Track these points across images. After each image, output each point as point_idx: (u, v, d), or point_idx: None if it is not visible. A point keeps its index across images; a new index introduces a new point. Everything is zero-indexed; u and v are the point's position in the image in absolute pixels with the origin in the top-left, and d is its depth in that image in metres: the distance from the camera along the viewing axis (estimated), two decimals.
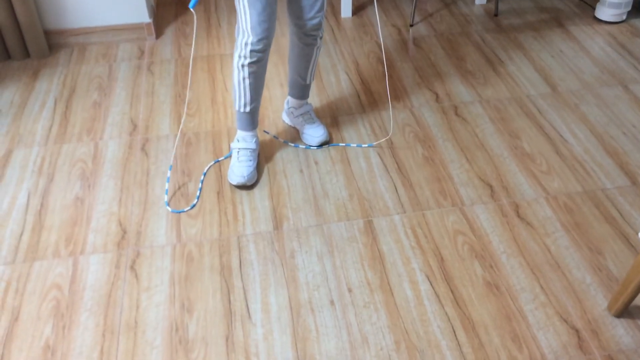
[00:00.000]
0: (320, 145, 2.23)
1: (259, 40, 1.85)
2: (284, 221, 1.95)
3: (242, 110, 2.02)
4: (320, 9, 1.94)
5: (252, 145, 2.09)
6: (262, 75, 1.97)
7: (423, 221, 1.94)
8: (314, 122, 2.24)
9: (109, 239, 1.89)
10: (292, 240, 1.88)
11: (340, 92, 2.55)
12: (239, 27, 1.87)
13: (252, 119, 2.06)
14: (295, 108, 2.26)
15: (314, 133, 2.22)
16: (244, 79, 1.94)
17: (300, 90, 2.20)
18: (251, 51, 1.88)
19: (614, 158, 2.17)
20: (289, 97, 2.26)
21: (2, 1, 2.59)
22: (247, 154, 2.06)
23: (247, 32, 1.85)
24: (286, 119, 2.33)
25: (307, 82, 2.17)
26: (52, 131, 2.33)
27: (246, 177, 2.02)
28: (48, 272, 1.78)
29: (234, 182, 2.03)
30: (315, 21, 1.96)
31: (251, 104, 2.01)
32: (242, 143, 2.08)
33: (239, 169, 2.03)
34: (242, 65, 1.91)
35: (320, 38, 2.04)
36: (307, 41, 2.02)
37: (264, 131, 2.15)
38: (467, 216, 1.95)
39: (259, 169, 2.14)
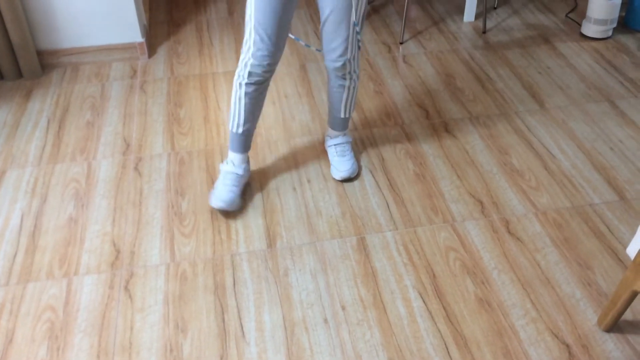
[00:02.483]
0: (345, 180, 2.19)
1: (259, 65, 1.86)
2: (278, 239, 1.96)
3: (234, 130, 2.02)
4: (344, 53, 1.91)
5: (240, 171, 2.06)
6: (259, 98, 1.96)
7: (415, 238, 1.96)
8: (344, 156, 2.18)
9: (103, 259, 1.89)
10: (286, 258, 1.90)
11: None
12: (243, 45, 1.87)
13: (243, 142, 2.04)
14: (330, 137, 2.23)
15: (340, 167, 2.16)
16: (240, 98, 1.94)
17: (335, 121, 2.17)
18: (249, 72, 1.88)
19: (601, 173, 2.20)
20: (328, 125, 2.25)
21: None
22: (233, 179, 2.04)
23: (249, 54, 1.86)
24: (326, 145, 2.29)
25: (341, 116, 2.14)
26: (45, 151, 2.34)
27: (226, 202, 1.98)
28: (42, 293, 1.78)
29: (214, 205, 1.99)
30: (337, 64, 1.94)
31: (244, 125, 2.00)
32: (229, 166, 2.06)
33: (220, 192, 2.00)
34: (240, 84, 1.92)
35: (351, 79, 2.02)
36: (336, 79, 2.02)
37: (290, 35, 2.01)
38: (459, 232, 1.97)
39: (251, 187, 2.16)
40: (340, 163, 2.17)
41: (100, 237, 1.97)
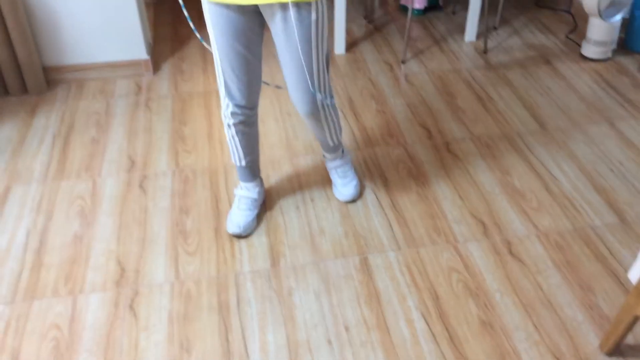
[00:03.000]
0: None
1: (236, 106, 1.83)
2: (281, 258, 1.98)
3: (238, 164, 2.02)
4: (306, 89, 1.77)
5: (254, 195, 2.08)
6: (251, 133, 1.94)
7: (418, 258, 1.98)
8: (345, 178, 2.17)
9: (108, 277, 1.91)
10: (290, 277, 1.91)
11: None
12: (218, 86, 1.81)
13: (250, 172, 2.05)
14: (327, 160, 2.19)
15: (344, 191, 2.16)
16: (232, 136, 1.93)
17: (325, 147, 2.11)
18: (232, 113, 1.85)
19: (602, 195, 2.23)
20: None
21: (1, 38, 2.63)
22: (248, 203, 2.07)
23: (224, 98, 1.83)
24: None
25: (331, 144, 2.07)
26: (50, 168, 2.36)
27: (242, 228, 2.01)
28: (47, 311, 1.79)
29: (230, 231, 2.03)
30: (304, 97, 1.79)
31: (245, 158, 2.00)
32: (244, 191, 2.08)
33: (236, 217, 2.03)
34: (228, 125, 1.89)
35: (326, 116, 1.89)
36: (306, 117, 1.88)
37: (263, 82, 1.91)
38: (461, 253, 1.99)
39: None
40: (343, 186, 2.18)
41: (106, 255, 1.98)
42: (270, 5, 1.63)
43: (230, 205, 2.18)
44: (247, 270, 1.93)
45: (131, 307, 1.81)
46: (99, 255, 1.98)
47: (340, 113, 2.69)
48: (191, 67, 3.04)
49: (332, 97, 1.90)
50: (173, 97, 2.80)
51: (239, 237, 2.05)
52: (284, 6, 1.62)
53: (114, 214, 2.14)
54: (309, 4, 1.63)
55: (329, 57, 1.82)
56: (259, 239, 2.05)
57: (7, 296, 1.84)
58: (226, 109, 1.85)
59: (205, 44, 1.74)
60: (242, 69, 1.75)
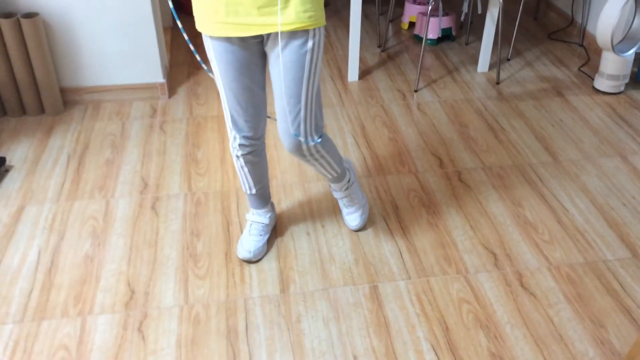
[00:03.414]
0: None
1: (243, 138, 1.83)
2: (291, 284, 1.98)
3: (248, 192, 2.03)
4: (297, 128, 1.73)
5: (265, 220, 2.09)
6: (259, 162, 1.94)
7: (428, 288, 1.97)
8: (349, 208, 2.18)
9: (118, 299, 1.91)
10: (299, 304, 1.91)
11: (346, 155, 2.61)
12: (225, 118, 1.83)
13: (260, 199, 2.06)
14: (334, 190, 2.17)
15: (350, 222, 2.18)
16: (242, 167, 1.93)
17: (330, 179, 2.08)
18: (240, 145, 1.85)
19: (614, 229, 2.21)
20: None
21: (21, 59, 2.68)
22: (259, 228, 2.07)
23: (231, 130, 1.83)
24: None
25: (329, 177, 2.03)
26: (64, 188, 2.38)
27: (252, 253, 2.02)
28: (56, 332, 1.80)
29: (240, 256, 2.04)
30: (294, 138, 1.74)
31: (255, 186, 2.00)
32: (255, 216, 2.09)
33: (247, 242, 2.04)
34: (237, 156, 1.90)
35: (313, 155, 1.83)
36: (295, 154, 1.83)
37: (268, 116, 1.88)
38: (472, 284, 1.98)
39: None
40: (348, 215, 2.19)
41: (116, 276, 1.99)
42: (269, 34, 1.63)
43: (242, 229, 2.19)
44: (257, 295, 1.93)
45: (140, 330, 1.81)
46: (109, 276, 1.99)
47: (352, 140, 2.71)
48: (206, 91, 3.08)
49: (319, 136, 1.79)
50: (188, 120, 2.83)
51: (249, 262, 2.05)
52: (281, 33, 1.60)
53: (125, 235, 2.15)
54: (306, 31, 1.60)
55: (319, 92, 1.75)
56: (269, 264, 2.05)
57: (16, 315, 1.85)
58: (233, 141, 1.86)
59: (211, 75, 1.75)
60: (247, 101, 1.75)
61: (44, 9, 2.71)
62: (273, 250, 2.10)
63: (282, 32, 1.59)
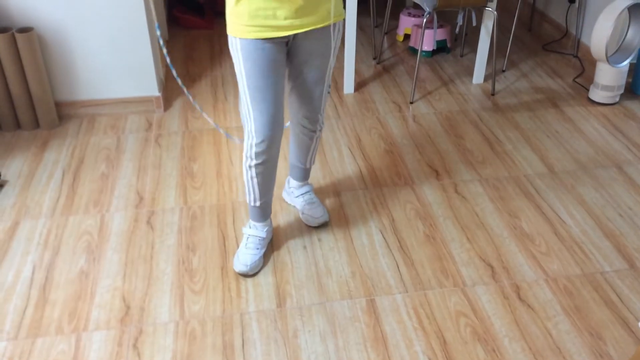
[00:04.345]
0: (320, 226, 2.26)
1: (263, 142, 1.85)
2: (287, 298, 1.96)
3: (252, 204, 2.04)
4: (318, 108, 1.99)
5: (262, 234, 2.09)
6: (270, 174, 1.97)
7: (425, 301, 1.96)
8: (313, 203, 2.26)
9: (113, 315, 1.89)
10: (295, 318, 1.89)
11: (342, 167, 2.61)
12: (244, 127, 1.88)
13: (263, 212, 2.07)
14: (296, 189, 2.29)
15: (314, 214, 2.24)
16: (252, 177, 1.95)
17: (300, 173, 2.25)
18: (256, 153, 1.88)
19: (611, 240, 2.21)
20: (289, 177, 2.30)
21: (16, 74, 2.68)
22: (256, 242, 2.07)
23: (252, 134, 1.85)
24: (286, 197, 2.36)
25: (307, 166, 2.22)
26: (59, 203, 2.37)
27: (249, 267, 2.02)
28: (50, 349, 1.78)
29: (237, 269, 2.03)
30: (312, 118, 2.01)
31: (261, 199, 2.02)
32: (252, 230, 2.09)
33: (244, 256, 2.04)
34: (250, 166, 1.92)
35: (320, 130, 2.09)
36: (306, 132, 2.08)
37: (226, 134, 2.10)
38: (469, 297, 1.97)
39: None
40: (313, 210, 2.24)
41: (111, 292, 1.97)
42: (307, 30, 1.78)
43: (238, 243, 2.17)
44: (253, 310, 1.92)
45: (135, 347, 1.79)
46: (104, 292, 1.97)
47: (348, 152, 2.71)
48: (202, 105, 3.08)
49: (322, 124, 2.09)
50: (183, 133, 2.83)
51: (245, 275, 2.04)
52: (323, 28, 1.81)
53: (120, 250, 2.14)
54: (336, 23, 1.83)
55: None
56: (265, 279, 2.03)
57: (10, 332, 1.83)
58: (250, 150, 1.88)
59: (212, 122, 1.83)
60: (273, 99, 1.82)
61: (38, 24, 2.71)
62: (269, 264, 2.09)
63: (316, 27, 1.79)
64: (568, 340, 1.82)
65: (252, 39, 1.73)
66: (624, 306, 1.94)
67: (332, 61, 1.91)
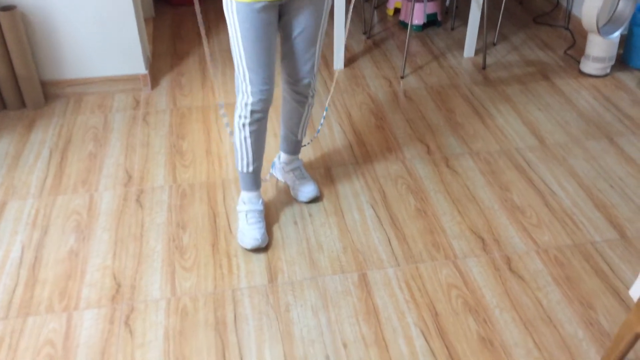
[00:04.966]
0: (310, 202, 2.25)
1: (259, 101, 1.88)
2: (279, 274, 1.96)
3: (244, 170, 2.03)
4: (311, 70, 1.97)
5: (259, 207, 2.09)
6: (262, 134, 1.99)
7: (417, 274, 1.96)
8: (304, 178, 2.25)
9: (103, 293, 1.88)
10: (287, 293, 1.89)
11: (333, 143, 2.59)
12: (238, 88, 1.90)
13: (255, 179, 2.07)
14: (286, 164, 2.28)
15: (304, 189, 2.23)
16: (245, 138, 1.96)
17: (291, 146, 2.23)
18: (251, 111, 1.90)
19: (602, 211, 2.21)
20: (280, 153, 2.28)
21: (0, 52, 2.63)
22: (256, 216, 2.06)
23: (247, 94, 1.87)
24: (277, 174, 2.35)
25: (299, 137, 2.20)
26: (46, 182, 2.34)
27: (260, 240, 2.01)
28: (42, 327, 1.77)
29: (249, 246, 2.02)
30: (305, 81, 1.99)
31: (254, 163, 2.02)
32: (248, 205, 2.08)
33: (251, 232, 2.02)
34: (243, 125, 1.93)
35: (312, 96, 2.07)
36: (298, 99, 2.05)
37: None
38: (460, 269, 1.97)
39: None
40: (304, 185, 2.23)
41: (101, 270, 1.96)
42: None
43: (229, 221, 2.16)
44: (245, 286, 1.91)
45: (127, 324, 1.79)
46: (94, 271, 1.96)
47: (339, 128, 2.69)
48: (190, 82, 3.04)
49: (315, 90, 2.07)
50: (171, 111, 2.80)
51: (258, 249, 2.03)
52: None
53: (110, 229, 2.13)
54: None
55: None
56: (257, 255, 2.03)
57: (0, 312, 1.82)
58: (245, 109, 1.89)
59: (207, 55, 1.81)
60: (267, 61, 1.84)
61: (22, 2, 2.66)
62: None
63: None
64: (559, 309, 1.83)
65: (248, 2, 1.73)
66: (615, 275, 1.95)
67: (324, 22, 1.90)
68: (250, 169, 2.03)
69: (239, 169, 2.04)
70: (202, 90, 2.97)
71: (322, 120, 2.53)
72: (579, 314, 1.82)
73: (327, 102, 2.80)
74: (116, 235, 2.10)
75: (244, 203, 2.09)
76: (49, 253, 2.03)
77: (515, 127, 2.70)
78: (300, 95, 2.04)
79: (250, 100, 1.88)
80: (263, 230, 2.04)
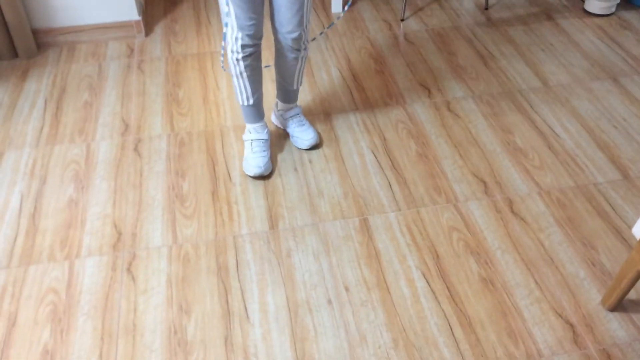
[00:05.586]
0: (310, 149, 2.23)
1: (248, 36, 1.85)
2: (280, 220, 1.95)
3: (245, 103, 2.04)
4: (300, 23, 1.90)
5: (264, 136, 2.11)
6: (258, 66, 1.97)
7: (418, 218, 1.95)
8: (303, 125, 2.22)
9: (104, 241, 1.88)
10: (288, 239, 1.89)
11: (332, 88, 2.55)
12: (226, 23, 1.86)
13: (257, 111, 2.08)
14: (284, 111, 2.24)
15: (304, 136, 2.20)
16: (241, 72, 1.94)
17: (288, 95, 2.19)
18: (242, 45, 1.87)
19: (605, 152, 2.19)
20: (277, 100, 2.25)
21: None
22: (261, 145, 2.08)
23: (235, 29, 1.84)
24: (275, 121, 2.32)
25: (295, 87, 2.16)
26: (43, 132, 2.31)
27: (263, 168, 2.04)
28: (44, 276, 1.77)
29: (251, 174, 2.05)
30: (294, 35, 1.93)
31: (253, 95, 2.02)
32: (254, 134, 2.10)
33: (254, 160, 2.05)
34: (237, 60, 1.91)
35: (305, 49, 2.02)
36: (291, 51, 2.00)
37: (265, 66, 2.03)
38: (462, 212, 1.96)
39: None
40: (303, 132, 2.21)
41: (101, 219, 1.96)
42: None
43: (228, 169, 2.14)
44: (246, 232, 1.91)
45: (129, 271, 1.79)
46: (94, 220, 1.95)
47: (337, 72, 2.64)
48: (184, 29, 2.97)
49: (307, 42, 2.02)
50: (166, 59, 2.74)
51: (260, 177, 2.05)
52: None
53: (108, 178, 2.11)
54: None
55: None
56: (257, 202, 2.02)
57: (2, 261, 1.82)
58: (235, 43, 1.87)
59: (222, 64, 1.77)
60: (254, 1, 1.80)
61: None
62: (260, 187, 2.07)
63: None
64: (560, 250, 1.83)
65: None
66: (617, 216, 1.94)
67: None
68: (251, 101, 2.03)
69: (240, 102, 2.05)
70: (197, 38, 2.90)
71: (325, 29, 2.44)
72: (580, 254, 1.82)
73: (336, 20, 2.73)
74: (115, 184, 2.08)
75: (249, 132, 2.11)
76: (48, 202, 2.02)
77: (518, 68, 2.65)
78: (292, 48, 1.99)
79: (240, 34, 1.85)
80: (267, 159, 2.07)
